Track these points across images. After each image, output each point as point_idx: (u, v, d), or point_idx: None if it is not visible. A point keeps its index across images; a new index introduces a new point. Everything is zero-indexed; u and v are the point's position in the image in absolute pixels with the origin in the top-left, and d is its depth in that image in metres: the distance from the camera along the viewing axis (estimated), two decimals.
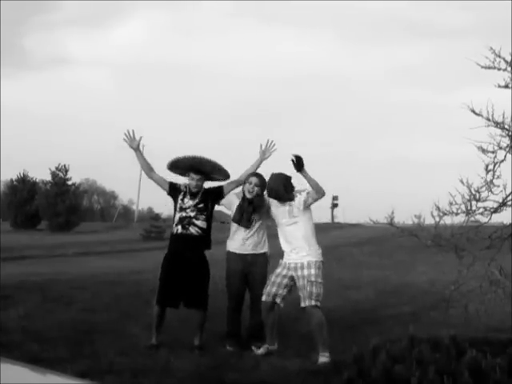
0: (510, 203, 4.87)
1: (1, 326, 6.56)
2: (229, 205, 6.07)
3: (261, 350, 5.68)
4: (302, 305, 5.49)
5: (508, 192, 4.83)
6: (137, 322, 6.80)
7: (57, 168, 43.18)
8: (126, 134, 6.00)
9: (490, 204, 4.86)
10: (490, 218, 4.94)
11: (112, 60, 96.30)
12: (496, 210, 4.88)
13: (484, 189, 4.81)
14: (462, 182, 4.77)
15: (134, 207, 64.62)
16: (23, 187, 45.11)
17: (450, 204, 4.80)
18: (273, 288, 5.63)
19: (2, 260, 14.99)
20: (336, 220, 49.83)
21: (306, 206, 5.71)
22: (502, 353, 4.39)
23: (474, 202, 4.80)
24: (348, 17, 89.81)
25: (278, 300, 5.64)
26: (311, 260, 5.54)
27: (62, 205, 41.22)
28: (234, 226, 6.02)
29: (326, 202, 50.96)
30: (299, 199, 5.68)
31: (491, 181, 4.80)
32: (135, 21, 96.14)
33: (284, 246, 5.73)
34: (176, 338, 6.13)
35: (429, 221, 4.93)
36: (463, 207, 4.79)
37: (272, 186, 5.71)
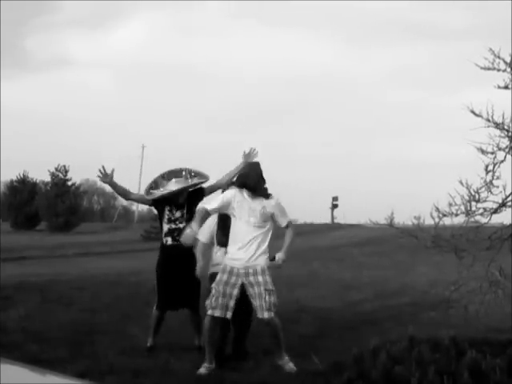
0: (509, 204, 4.87)
1: (1, 326, 6.57)
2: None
3: (202, 370, 5.08)
4: (260, 316, 5.00)
5: (508, 193, 4.84)
6: (137, 323, 6.80)
7: (56, 169, 43.23)
8: (99, 170, 5.99)
9: (490, 205, 4.86)
10: (490, 219, 4.94)
11: (113, 61, 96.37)
12: (496, 211, 4.88)
13: (484, 189, 4.81)
14: (461, 183, 4.78)
15: (134, 208, 64.64)
16: (23, 188, 45.14)
17: (450, 205, 4.80)
18: (223, 299, 4.99)
19: (2, 261, 14.99)
20: (336, 221, 49.76)
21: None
22: (501, 353, 4.40)
23: (473, 203, 4.81)
24: (349, 18, 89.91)
25: (229, 315, 5.03)
26: (264, 266, 5.06)
27: (62, 205, 41.25)
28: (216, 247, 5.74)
29: (325, 202, 51.01)
30: (273, 206, 5.16)
31: (491, 181, 4.80)
32: (136, 22, 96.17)
33: (236, 245, 5.08)
34: (176, 338, 6.14)
35: (428, 222, 4.93)
36: (463, 208, 4.80)
37: (249, 175, 5.20)
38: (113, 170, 5.99)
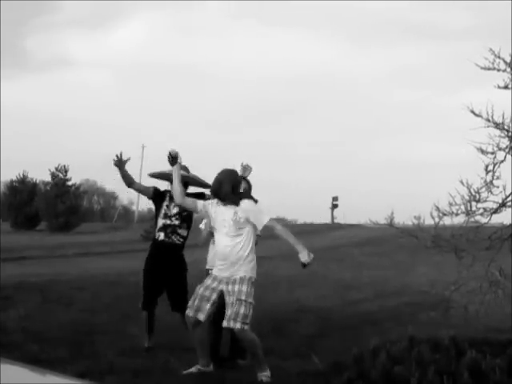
0: (509, 204, 4.87)
1: (1, 326, 6.56)
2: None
3: (192, 369, 5.04)
4: (225, 324, 4.85)
5: (508, 193, 4.84)
6: (137, 323, 6.79)
7: (56, 169, 43.21)
8: (116, 155, 6.01)
9: (490, 205, 4.87)
10: (490, 219, 4.94)
11: (113, 61, 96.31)
12: (496, 211, 4.89)
13: (484, 189, 4.81)
14: (461, 182, 4.78)
15: (134, 208, 64.69)
16: (23, 188, 45.13)
17: (450, 205, 4.80)
18: (200, 302, 4.94)
19: (2, 261, 14.99)
20: (336, 220, 49.80)
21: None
22: (501, 353, 4.40)
23: (473, 203, 4.81)
24: (349, 18, 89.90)
25: (201, 316, 4.94)
26: (244, 276, 4.91)
27: (62, 205, 41.23)
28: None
29: (325, 202, 51.04)
30: (245, 210, 4.96)
31: (491, 181, 4.81)
32: (136, 22, 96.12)
33: (218, 256, 5.04)
34: (176, 338, 6.13)
35: (429, 222, 4.93)
36: (463, 208, 4.80)
37: (222, 184, 5.01)
38: (128, 158, 6.02)
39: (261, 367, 4.95)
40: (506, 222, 5.07)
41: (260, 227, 4.97)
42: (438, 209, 4.82)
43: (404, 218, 5.51)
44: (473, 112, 4.85)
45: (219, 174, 5.08)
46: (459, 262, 4.94)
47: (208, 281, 5.03)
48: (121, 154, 5.99)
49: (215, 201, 5.09)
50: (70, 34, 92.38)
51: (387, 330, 6.71)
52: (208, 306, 4.94)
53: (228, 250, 4.93)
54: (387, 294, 10.33)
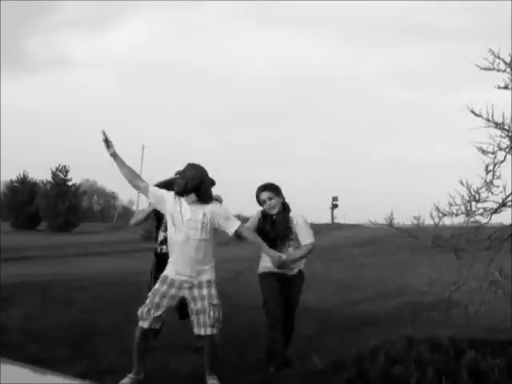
0: (509, 204, 4.87)
1: (1, 326, 6.56)
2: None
3: (125, 380, 4.67)
4: (200, 332, 4.61)
5: (508, 193, 4.84)
6: (137, 323, 6.80)
7: (57, 169, 43.22)
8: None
9: (490, 205, 4.87)
10: (490, 219, 4.94)
11: (113, 61, 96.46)
12: (496, 211, 4.89)
13: (484, 189, 4.81)
14: (461, 182, 4.78)
15: (134, 208, 64.64)
16: (23, 188, 45.15)
17: (450, 205, 4.80)
18: (156, 312, 4.62)
19: (2, 261, 14.98)
20: (336, 221, 49.87)
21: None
22: (501, 353, 4.39)
23: (473, 203, 4.81)
24: (349, 18, 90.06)
25: (158, 325, 4.71)
26: (211, 278, 4.66)
27: (62, 205, 41.25)
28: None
29: (325, 202, 51.09)
30: (213, 211, 4.68)
31: (491, 181, 4.80)
32: (136, 22, 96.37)
33: (179, 259, 4.65)
34: (176, 338, 6.14)
35: (428, 222, 4.93)
36: (463, 208, 4.80)
37: (200, 177, 4.66)
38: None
39: (212, 371, 4.73)
40: (506, 222, 5.07)
41: (231, 233, 4.70)
42: (437, 209, 4.83)
43: (404, 219, 5.51)
44: (473, 112, 4.85)
45: (196, 171, 4.68)
46: (459, 262, 4.94)
47: (163, 287, 4.65)
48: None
49: (176, 197, 4.71)
50: (69, 34, 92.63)
51: (387, 330, 6.71)
52: (164, 314, 4.67)
53: (192, 254, 4.61)
54: (387, 294, 10.34)
